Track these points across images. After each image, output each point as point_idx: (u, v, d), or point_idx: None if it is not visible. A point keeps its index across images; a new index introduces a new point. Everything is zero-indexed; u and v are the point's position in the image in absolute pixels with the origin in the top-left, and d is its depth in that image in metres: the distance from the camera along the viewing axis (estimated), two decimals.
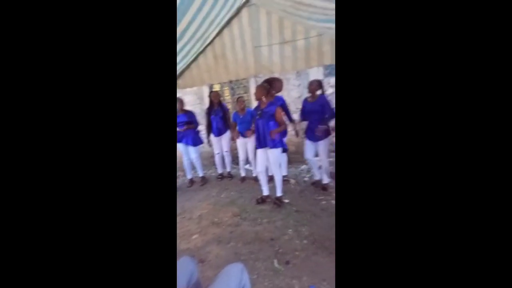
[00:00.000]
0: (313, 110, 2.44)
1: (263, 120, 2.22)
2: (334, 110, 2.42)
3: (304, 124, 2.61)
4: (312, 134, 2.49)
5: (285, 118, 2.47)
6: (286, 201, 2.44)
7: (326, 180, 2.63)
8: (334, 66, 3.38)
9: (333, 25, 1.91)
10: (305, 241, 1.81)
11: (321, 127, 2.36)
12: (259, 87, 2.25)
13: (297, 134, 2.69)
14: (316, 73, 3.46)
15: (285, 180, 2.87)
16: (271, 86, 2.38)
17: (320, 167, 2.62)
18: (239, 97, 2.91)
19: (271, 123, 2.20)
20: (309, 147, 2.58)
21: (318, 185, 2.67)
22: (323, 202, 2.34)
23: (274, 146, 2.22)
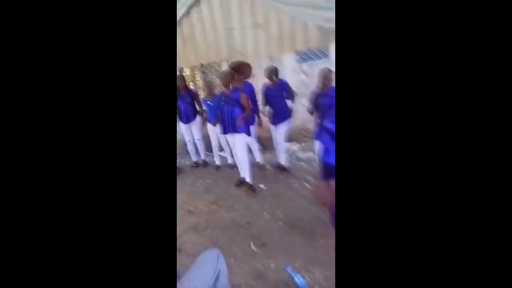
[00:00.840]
0: (276, 94, 2.49)
1: (227, 106, 2.20)
2: (293, 93, 2.53)
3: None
4: (276, 119, 2.56)
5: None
6: (262, 186, 2.49)
7: (282, 161, 2.74)
8: (306, 52, 3.41)
9: (304, 9, 1.90)
10: (279, 223, 1.88)
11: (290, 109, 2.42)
12: (224, 73, 2.21)
13: (260, 124, 2.70)
14: (288, 59, 3.46)
15: (260, 165, 2.90)
16: (237, 71, 2.35)
17: (277, 149, 2.72)
18: (207, 82, 2.81)
19: (236, 109, 2.19)
20: (273, 131, 2.65)
21: (282, 169, 2.80)
22: (296, 185, 2.44)
23: (237, 131, 2.22)
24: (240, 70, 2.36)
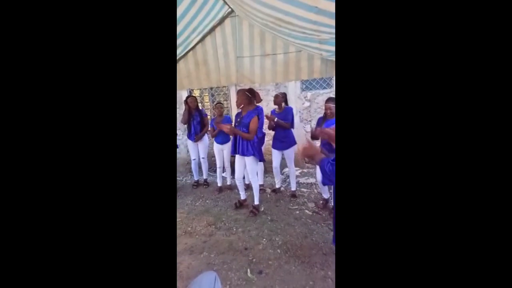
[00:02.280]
0: (280, 119, 2.56)
1: (240, 127, 2.25)
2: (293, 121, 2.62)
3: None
4: (278, 143, 2.61)
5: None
6: (262, 209, 2.46)
7: (294, 187, 2.76)
8: (310, 81, 3.56)
9: (311, 43, 2.04)
10: (278, 250, 1.82)
11: (271, 116, 2.51)
12: (241, 93, 2.27)
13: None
14: (294, 87, 3.61)
15: (261, 189, 2.89)
16: (252, 95, 2.44)
17: (285, 175, 2.73)
18: (217, 103, 2.92)
19: (247, 132, 2.23)
20: (275, 156, 2.68)
21: (278, 192, 2.83)
22: (297, 212, 2.39)
23: (246, 154, 2.24)
24: (255, 94, 2.46)
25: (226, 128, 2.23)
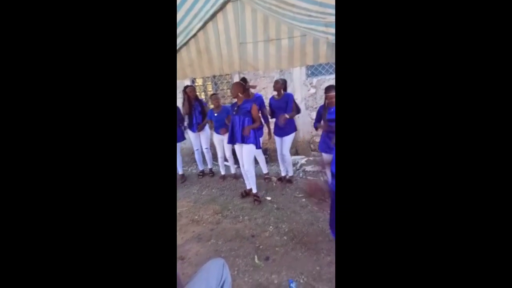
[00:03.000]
0: (279, 106, 2.53)
1: (239, 116, 2.23)
2: (297, 107, 2.57)
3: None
4: (278, 130, 2.59)
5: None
6: (268, 198, 2.47)
7: (290, 173, 2.78)
8: (316, 67, 3.47)
9: (317, 27, 1.96)
10: (284, 237, 1.85)
11: (282, 116, 2.44)
12: (235, 84, 2.26)
13: (270, 135, 2.74)
14: (299, 73, 3.53)
15: (267, 177, 2.90)
16: (247, 83, 2.41)
17: (284, 161, 2.73)
18: (212, 94, 2.88)
19: (247, 119, 2.22)
20: (278, 143, 2.68)
21: (283, 180, 2.82)
22: (303, 200, 2.40)
23: (246, 141, 2.23)
24: (246, 82, 2.41)
25: (246, 131, 2.20)
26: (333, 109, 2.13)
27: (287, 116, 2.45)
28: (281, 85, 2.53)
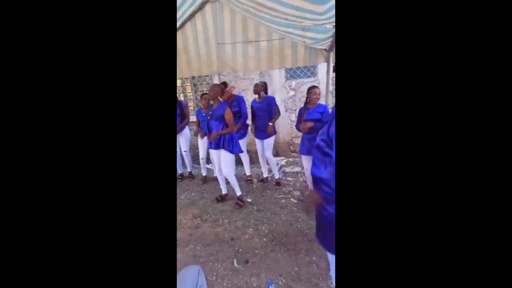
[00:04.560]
0: (261, 108, 2.53)
1: (214, 121, 2.17)
2: (278, 110, 2.59)
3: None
4: (259, 133, 2.60)
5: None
6: (249, 200, 2.46)
7: (276, 175, 2.78)
8: (294, 70, 3.53)
9: (294, 30, 1.99)
10: (264, 239, 1.85)
11: (271, 125, 2.47)
12: (214, 86, 2.20)
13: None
14: (278, 76, 3.57)
15: (248, 179, 2.89)
16: (224, 86, 2.39)
17: (268, 164, 2.76)
18: (203, 94, 2.82)
19: (221, 124, 2.15)
20: (258, 145, 2.69)
21: (265, 181, 2.84)
22: (283, 201, 2.42)
23: (220, 147, 2.18)
24: (226, 85, 2.38)
25: (212, 137, 2.16)
26: (313, 109, 2.18)
27: (270, 124, 2.46)
28: (260, 87, 2.53)
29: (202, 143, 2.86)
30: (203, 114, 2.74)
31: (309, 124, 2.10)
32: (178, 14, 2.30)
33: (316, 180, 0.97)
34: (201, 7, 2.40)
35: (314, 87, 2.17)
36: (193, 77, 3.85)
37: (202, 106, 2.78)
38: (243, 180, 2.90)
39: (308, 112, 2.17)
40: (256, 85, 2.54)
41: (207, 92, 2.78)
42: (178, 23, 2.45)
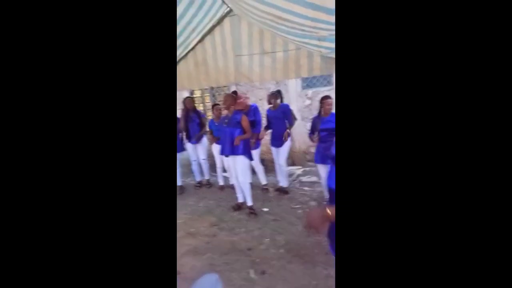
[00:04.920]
0: (276, 116, 2.56)
1: (229, 128, 2.24)
2: (294, 117, 2.60)
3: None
4: (275, 141, 2.60)
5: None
6: (265, 209, 2.45)
7: (285, 184, 2.74)
8: (311, 79, 3.53)
9: (310, 40, 2.01)
10: (281, 250, 1.81)
11: (288, 131, 2.48)
12: (227, 96, 2.30)
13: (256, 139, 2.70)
14: (294, 85, 3.58)
15: (265, 188, 2.88)
16: (237, 95, 2.46)
17: (280, 172, 2.73)
18: (214, 104, 2.90)
19: (237, 130, 2.22)
20: (275, 154, 2.69)
21: (281, 191, 2.79)
22: (299, 211, 2.38)
23: (237, 153, 2.22)
24: (236, 94, 2.45)
25: (237, 141, 2.21)
26: (326, 119, 2.16)
27: (288, 131, 2.47)
28: (274, 97, 2.56)
29: (218, 152, 2.92)
30: (216, 124, 2.81)
31: (315, 139, 2.15)
32: (199, 28, 2.42)
33: (331, 192, 0.95)
34: (219, 21, 2.51)
35: (326, 97, 2.17)
36: (212, 88, 3.98)
37: (214, 117, 2.86)
38: (259, 189, 2.89)
39: (322, 122, 2.16)
40: (268, 95, 2.58)
41: (218, 103, 2.86)
42: (199, 37, 2.57)
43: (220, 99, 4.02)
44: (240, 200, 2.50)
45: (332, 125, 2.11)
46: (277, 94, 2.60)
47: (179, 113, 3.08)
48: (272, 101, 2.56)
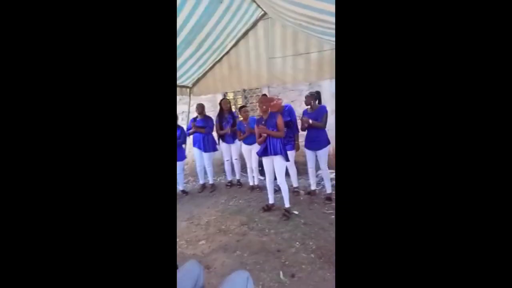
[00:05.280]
0: (313, 118, 2.48)
1: (268, 128, 2.25)
2: (326, 120, 2.50)
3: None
4: (310, 143, 2.53)
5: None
6: (296, 212, 2.42)
7: (329, 189, 2.63)
8: None
9: None
10: (312, 255, 1.77)
11: (304, 118, 2.43)
12: (261, 99, 2.31)
13: (297, 148, 2.69)
14: (329, 86, 3.48)
15: (295, 191, 2.85)
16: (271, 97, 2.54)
17: (319, 177, 2.64)
18: (241, 107, 2.95)
19: (275, 130, 2.23)
20: (309, 156, 2.61)
21: (313, 194, 2.71)
22: (332, 216, 2.30)
23: (276, 153, 2.23)
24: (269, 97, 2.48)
25: (261, 129, 2.25)
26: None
27: (310, 121, 2.41)
28: (312, 98, 2.50)
29: (247, 153, 2.97)
30: (244, 125, 2.86)
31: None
32: (233, 33, 2.50)
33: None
34: (254, 25, 2.56)
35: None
36: (244, 90, 4.07)
37: (242, 119, 2.91)
38: (290, 191, 2.86)
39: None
40: (307, 96, 2.53)
41: (244, 105, 2.90)
42: (233, 41, 2.66)
43: (252, 101, 4.09)
44: (271, 201, 2.50)
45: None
46: (316, 96, 2.53)
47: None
48: (312, 102, 2.49)
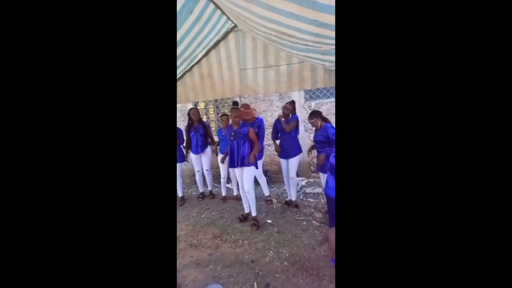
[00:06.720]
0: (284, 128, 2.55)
1: (236, 140, 2.26)
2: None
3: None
4: (283, 153, 2.60)
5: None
6: (269, 221, 2.42)
7: (293, 197, 2.69)
8: (314, 91, 3.59)
9: (313, 55, 2.07)
10: (285, 263, 1.78)
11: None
12: (233, 110, 2.34)
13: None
14: (298, 97, 3.64)
15: (268, 200, 2.86)
16: (246, 108, 2.57)
17: (289, 184, 2.69)
18: (223, 115, 2.95)
19: (246, 143, 2.24)
20: (284, 165, 2.66)
21: (289, 204, 2.72)
22: (304, 223, 2.35)
23: (246, 165, 2.25)
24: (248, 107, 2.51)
25: (251, 158, 2.25)
26: (320, 132, 2.27)
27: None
28: (290, 110, 2.55)
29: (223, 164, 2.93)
30: (223, 134, 2.85)
31: (322, 158, 2.25)
32: (204, 43, 2.51)
33: (331, 201, 0.96)
34: (224, 36, 2.60)
35: (312, 115, 2.30)
36: (216, 100, 4.06)
37: (222, 127, 2.90)
38: (263, 200, 2.87)
39: (316, 136, 2.31)
40: (286, 108, 2.55)
41: (227, 113, 2.91)
42: (204, 51, 2.66)
43: (223, 110, 4.09)
44: (246, 210, 2.48)
45: (321, 138, 2.24)
46: (292, 105, 2.59)
47: (179, 124, 3.12)
48: (288, 113, 2.54)
